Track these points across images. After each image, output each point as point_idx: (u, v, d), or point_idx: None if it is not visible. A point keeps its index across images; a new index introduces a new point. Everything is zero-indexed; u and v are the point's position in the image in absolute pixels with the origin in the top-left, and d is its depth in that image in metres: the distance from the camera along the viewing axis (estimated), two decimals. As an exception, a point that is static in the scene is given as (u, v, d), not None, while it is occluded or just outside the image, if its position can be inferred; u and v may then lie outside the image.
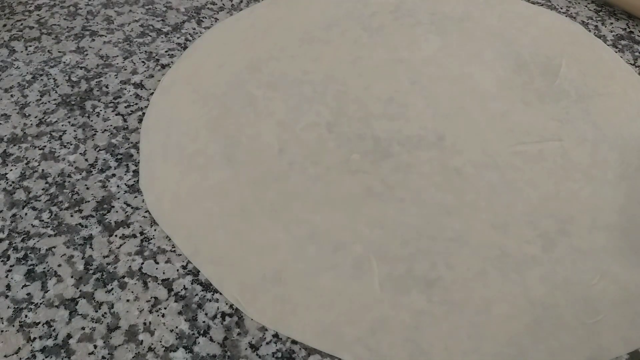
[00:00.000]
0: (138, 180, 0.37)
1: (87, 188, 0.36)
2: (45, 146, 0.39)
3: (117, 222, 0.35)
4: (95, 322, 0.30)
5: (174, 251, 0.34)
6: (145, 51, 0.46)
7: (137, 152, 0.39)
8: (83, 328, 0.30)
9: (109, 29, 0.48)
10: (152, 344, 0.30)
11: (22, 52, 0.45)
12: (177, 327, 0.30)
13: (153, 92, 0.43)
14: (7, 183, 0.36)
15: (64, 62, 0.45)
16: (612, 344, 0.30)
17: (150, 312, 0.31)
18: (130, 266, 0.33)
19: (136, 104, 0.42)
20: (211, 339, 0.30)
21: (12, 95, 0.42)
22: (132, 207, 0.36)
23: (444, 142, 0.39)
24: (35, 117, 0.41)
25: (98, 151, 0.39)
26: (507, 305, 0.31)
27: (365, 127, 0.40)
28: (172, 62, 0.46)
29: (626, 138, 0.40)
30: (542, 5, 0.53)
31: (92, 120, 0.41)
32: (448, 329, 0.30)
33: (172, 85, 0.43)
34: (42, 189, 0.36)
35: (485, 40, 0.48)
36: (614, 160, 0.39)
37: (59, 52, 0.46)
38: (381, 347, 0.30)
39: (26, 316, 0.30)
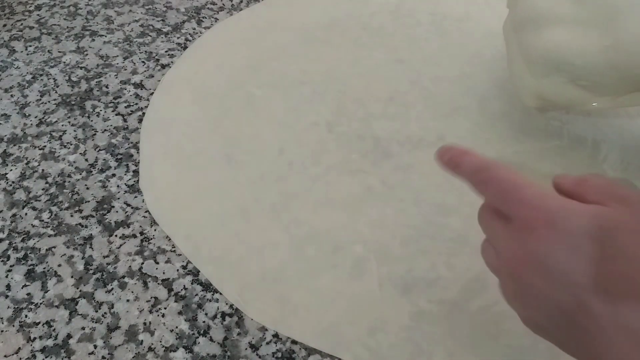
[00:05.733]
0: (138, 180, 0.37)
1: (87, 188, 0.36)
2: (45, 146, 0.39)
3: (117, 222, 0.35)
4: (95, 322, 0.30)
5: (174, 251, 0.34)
6: (145, 51, 0.46)
7: (137, 152, 0.39)
8: (83, 328, 0.30)
9: (109, 29, 0.48)
10: (152, 344, 0.30)
11: (22, 52, 0.45)
12: (177, 327, 0.30)
13: (153, 92, 0.43)
14: (7, 183, 0.36)
15: (64, 62, 0.45)
16: (612, 344, 0.30)
17: (150, 312, 0.31)
18: (130, 266, 0.33)
19: (136, 104, 0.42)
20: (211, 339, 0.30)
21: (12, 95, 0.42)
22: (132, 207, 0.36)
23: (444, 142, 0.39)
24: (35, 117, 0.41)
25: (98, 151, 0.39)
26: (507, 306, 0.31)
27: (365, 127, 0.40)
28: (172, 62, 0.46)
29: (626, 138, 0.40)
30: (542, 5, 0.53)
31: (92, 120, 0.41)
32: (448, 329, 0.30)
33: (172, 85, 0.43)
34: (42, 189, 0.36)
35: (485, 40, 0.48)
36: (614, 160, 0.39)
37: (59, 52, 0.46)
38: (381, 347, 0.30)
39: (26, 316, 0.30)
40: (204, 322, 0.31)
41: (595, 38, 0.31)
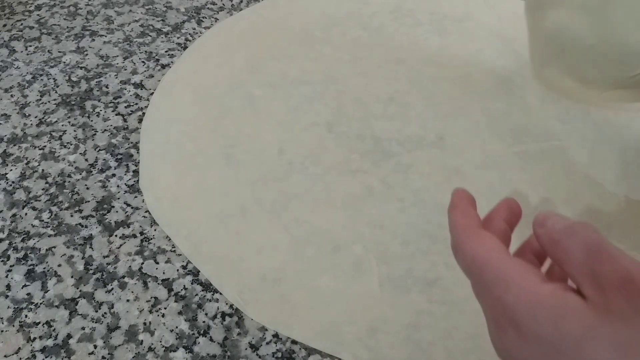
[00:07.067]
0: (138, 180, 0.37)
1: (87, 188, 0.36)
2: (45, 146, 0.39)
3: (117, 222, 0.35)
4: (95, 322, 0.30)
5: (174, 251, 0.34)
6: (145, 51, 0.46)
7: (137, 152, 0.39)
8: (83, 328, 0.30)
9: (109, 29, 0.48)
10: (152, 344, 0.30)
11: (22, 52, 0.45)
12: (177, 327, 0.30)
13: (153, 92, 0.43)
14: (7, 183, 0.36)
15: (64, 62, 0.45)
16: (612, 344, 0.30)
17: (150, 312, 0.31)
18: (130, 266, 0.33)
19: (136, 104, 0.42)
20: (211, 339, 0.30)
21: (12, 95, 0.42)
22: (132, 207, 0.36)
23: (444, 142, 0.39)
24: (35, 117, 0.41)
25: (98, 151, 0.39)
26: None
27: (365, 127, 0.40)
28: (172, 62, 0.46)
29: (626, 138, 0.40)
30: (542, 5, 0.53)
31: (92, 120, 0.41)
32: (448, 329, 0.30)
33: (172, 85, 0.43)
34: (42, 189, 0.36)
35: (485, 40, 0.48)
36: (614, 161, 0.39)
37: (59, 52, 0.46)
38: (381, 347, 0.30)
39: (26, 316, 0.30)
40: (204, 322, 0.31)
41: (590, 24, 0.33)
